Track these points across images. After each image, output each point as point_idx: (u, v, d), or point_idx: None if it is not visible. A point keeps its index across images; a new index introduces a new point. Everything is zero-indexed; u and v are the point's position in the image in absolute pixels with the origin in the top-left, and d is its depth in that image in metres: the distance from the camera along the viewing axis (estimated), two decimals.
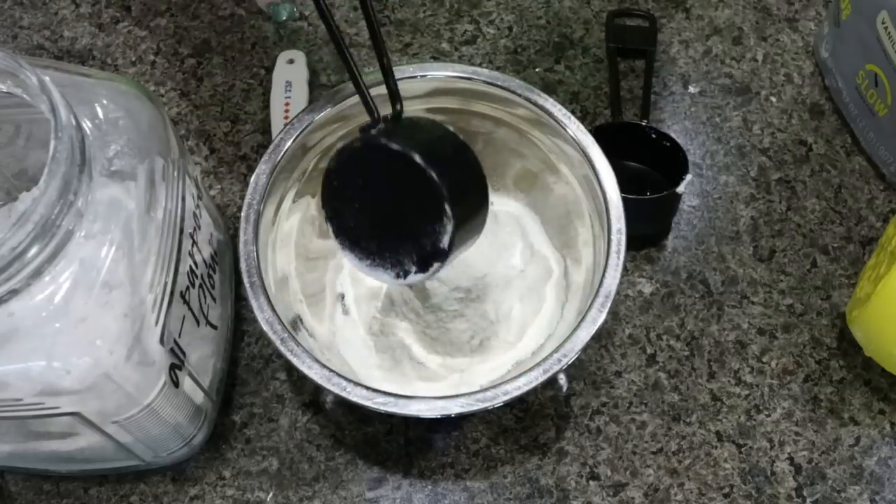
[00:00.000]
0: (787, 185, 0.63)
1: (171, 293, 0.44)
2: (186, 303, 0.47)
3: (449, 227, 0.42)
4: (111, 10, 0.70)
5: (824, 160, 0.64)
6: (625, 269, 0.50)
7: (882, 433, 0.55)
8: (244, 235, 0.48)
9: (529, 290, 0.55)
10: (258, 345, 0.57)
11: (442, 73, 0.53)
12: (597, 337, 0.47)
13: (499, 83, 0.52)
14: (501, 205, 0.58)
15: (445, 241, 0.42)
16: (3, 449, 0.48)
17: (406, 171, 0.41)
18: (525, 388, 0.44)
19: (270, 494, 0.53)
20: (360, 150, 0.43)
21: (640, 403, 0.55)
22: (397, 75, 0.51)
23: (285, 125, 0.51)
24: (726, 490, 0.53)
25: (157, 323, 0.43)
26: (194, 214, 0.49)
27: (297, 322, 0.50)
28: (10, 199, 0.51)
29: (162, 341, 0.43)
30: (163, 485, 0.53)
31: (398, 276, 0.45)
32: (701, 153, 0.64)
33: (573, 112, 0.51)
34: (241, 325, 0.58)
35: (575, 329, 0.46)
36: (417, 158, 0.41)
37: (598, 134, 0.51)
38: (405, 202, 0.43)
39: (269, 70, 0.66)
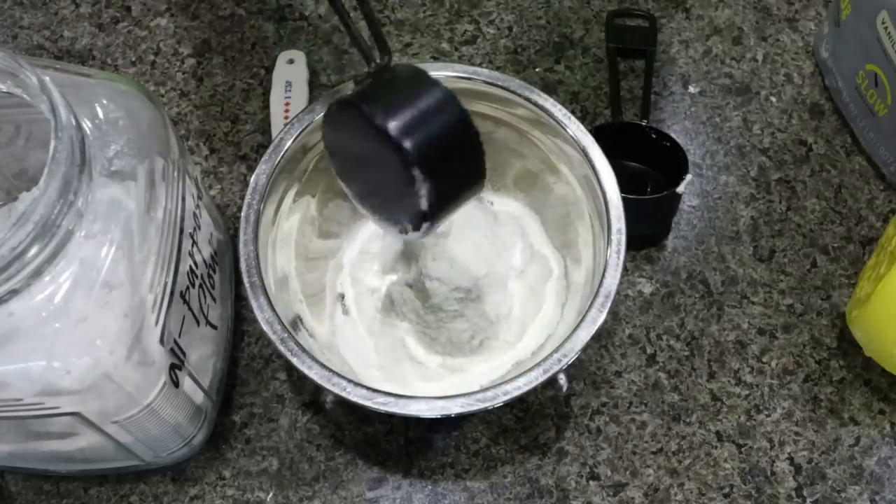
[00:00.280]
0: (787, 185, 0.63)
1: (171, 293, 0.44)
2: (186, 303, 0.47)
3: (423, 191, 0.40)
4: (111, 10, 0.70)
5: (824, 160, 0.64)
6: (625, 269, 0.50)
7: (882, 433, 0.55)
8: (244, 235, 0.48)
9: (529, 290, 0.55)
10: (258, 345, 0.57)
11: (442, 73, 0.53)
12: (597, 337, 0.47)
13: (499, 83, 0.52)
14: (501, 205, 0.58)
15: (425, 204, 0.41)
16: (3, 449, 0.47)
17: (375, 135, 0.40)
18: (525, 388, 0.44)
19: (270, 494, 0.53)
20: (334, 113, 0.43)
21: (640, 403, 0.55)
22: None
23: (285, 125, 0.51)
24: (726, 490, 0.53)
25: (157, 323, 0.43)
26: (194, 214, 0.49)
27: (297, 322, 0.50)
28: (10, 199, 0.51)
29: (162, 341, 0.43)
30: (163, 485, 0.53)
31: (401, 232, 0.44)
32: (701, 153, 0.64)
33: (573, 112, 0.51)
34: (241, 325, 0.58)
35: (575, 329, 0.46)
36: (379, 121, 0.39)
37: (598, 134, 0.51)
38: (381, 164, 0.42)
39: (269, 70, 0.66)
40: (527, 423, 0.55)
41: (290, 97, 0.64)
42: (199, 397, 0.50)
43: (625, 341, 0.57)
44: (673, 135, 0.61)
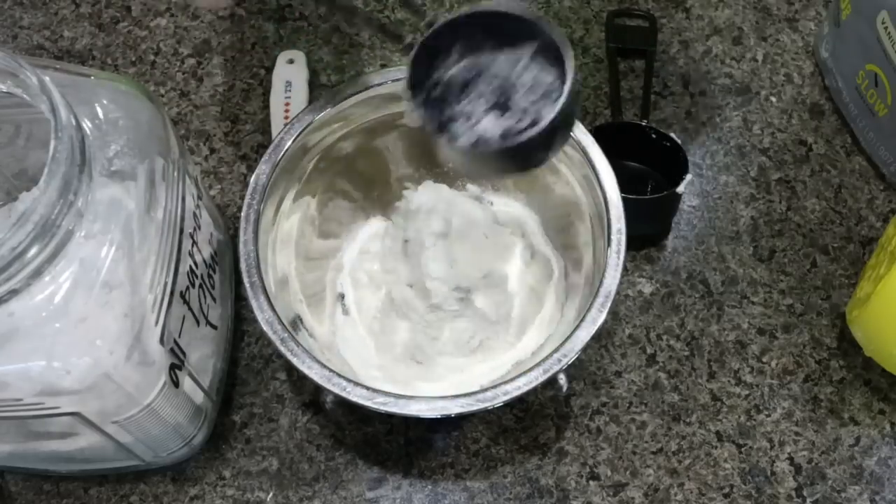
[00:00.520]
0: (787, 185, 0.63)
1: (171, 293, 0.44)
2: (186, 303, 0.47)
3: (559, 104, 0.40)
4: (111, 10, 0.70)
5: (824, 160, 0.64)
6: (625, 269, 0.50)
7: (882, 433, 0.55)
8: (244, 235, 0.48)
9: (529, 290, 0.55)
10: (258, 345, 0.57)
11: None
12: (597, 337, 0.47)
13: None
14: (501, 205, 0.58)
15: (554, 111, 0.40)
16: (3, 449, 0.47)
17: (554, 53, 0.41)
18: (525, 388, 0.44)
19: (270, 494, 0.53)
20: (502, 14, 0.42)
21: (640, 403, 0.55)
22: (398, 75, 0.51)
23: (285, 125, 0.51)
24: (726, 490, 0.53)
25: (157, 323, 0.43)
26: (194, 214, 0.49)
27: (297, 322, 0.50)
28: (10, 199, 0.51)
29: (162, 341, 0.43)
30: (163, 485, 0.53)
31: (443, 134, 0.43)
32: (701, 153, 0.64)
33: None
34: (241, 325, 0.58)
35: (575, 329, 0.46)
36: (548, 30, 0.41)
37: (598, 134, 0.51)
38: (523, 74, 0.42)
39: (269, 70, 0.66)
40: (527, 423, 0.55)
41: (290, 97, 0.64)
42: (199, 397, 0.50)
43: (625, 341, 0.57)
44: (673, 135, 0.61)
